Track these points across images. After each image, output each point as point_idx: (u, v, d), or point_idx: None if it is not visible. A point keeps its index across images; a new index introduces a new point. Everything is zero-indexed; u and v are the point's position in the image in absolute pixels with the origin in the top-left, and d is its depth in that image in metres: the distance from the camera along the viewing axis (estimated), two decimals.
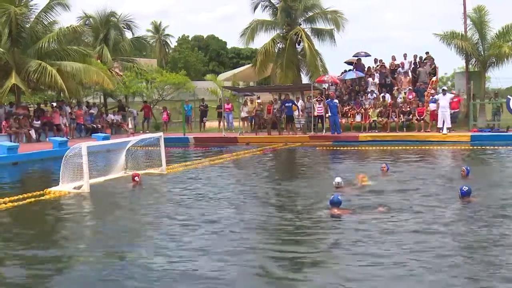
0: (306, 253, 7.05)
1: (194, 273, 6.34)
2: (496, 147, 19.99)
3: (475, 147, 20.61)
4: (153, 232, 8.35)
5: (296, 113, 27.00)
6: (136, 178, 12.92)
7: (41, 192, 11.96)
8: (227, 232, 8.11)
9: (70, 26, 28.69)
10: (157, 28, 71.26)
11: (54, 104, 29.47)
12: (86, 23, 35.19)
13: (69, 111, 28.01)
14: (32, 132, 25.11)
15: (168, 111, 31.63)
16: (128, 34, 37.40)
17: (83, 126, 28.34)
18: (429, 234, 7.70)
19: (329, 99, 25.66)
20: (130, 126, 29.15)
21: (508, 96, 24.92)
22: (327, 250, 7.22)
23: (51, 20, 28.22)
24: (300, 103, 27.38)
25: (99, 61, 31.32)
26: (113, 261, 6.92)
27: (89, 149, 12.46)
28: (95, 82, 28.28)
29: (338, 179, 11.36)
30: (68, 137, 25.18)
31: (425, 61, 28.31)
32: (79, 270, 6.65)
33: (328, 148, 22.10)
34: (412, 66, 28.38)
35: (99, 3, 71.60)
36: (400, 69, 28.44)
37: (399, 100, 26.29)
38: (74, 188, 12.18)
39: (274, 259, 6.83)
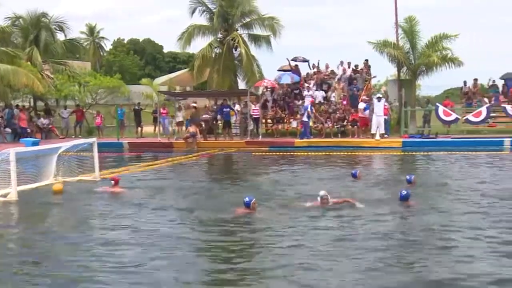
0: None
1: None
2: (426, 153, 20.66)
3: (406, 153, 21.24)
4: (73, 245, 7.85)
5: (233, 118, 26.98)
6: None
7: None
8: (150, 243, 7.79)
9: None
10: (91, 30, 69.71)
11: None
12: (15, 23, 34.04)
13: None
14: None
15: (103, 115, 30.92)
16: (61, 36, 36.52)
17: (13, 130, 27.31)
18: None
19: (307, 104, 25.71)
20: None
21: (437, 104, 25.78)
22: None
23: None
24: (237, 108, 27.41)
25: (29, 63, 30.33)
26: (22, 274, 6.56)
27: (17, 155, 11.96)
28: (24, 84, 27.36)
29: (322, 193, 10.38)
30: None
31: (360, 69, 28.96)
32: None
33: (263, 153, 22.17)
34: (347, 73, 28.91)
35: (30, 3, 69.43)
36: (340, 74, 28.97)
37: (332, 100, 26.81)
38: (1, 196, 11.65)
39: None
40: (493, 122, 26.00)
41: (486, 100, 26.91)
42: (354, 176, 13.52)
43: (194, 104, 27.12)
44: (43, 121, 29.96)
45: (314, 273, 6.34)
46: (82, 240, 8.05)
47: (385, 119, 24.45)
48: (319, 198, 10.02)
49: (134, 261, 6.89)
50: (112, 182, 12.43)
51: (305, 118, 24.98)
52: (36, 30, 33.90)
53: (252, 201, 9.53)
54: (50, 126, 30.05)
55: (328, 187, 11.69)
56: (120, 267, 6.66)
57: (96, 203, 11.17)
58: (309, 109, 24.94)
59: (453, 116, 24.71)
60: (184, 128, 27.08)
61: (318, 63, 30.82)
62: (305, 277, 6.20)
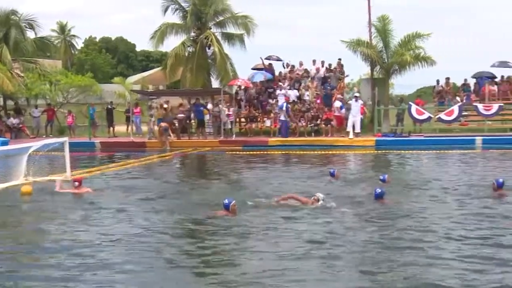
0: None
1: None
2: (399, 151, 20.84)
3: (379, 151, 21.38)
4: (31, 252, 7.56)
5: (207, 117, 26.81)
6: None
7: None
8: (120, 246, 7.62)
9: None
10: (62, 29, 68.76)
11: None
12: None
13: None
14: None
15: (74, 114, 30.42)
16: (31, 34, 35.88)
17: None
18: None
19: (284, 102, 25.61)
20: None
21: (410, 103, 25.97)
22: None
23: None
24: (209, 107, 27.24)
25: None
26: None
27: None
28: None
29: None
30: None
31: (333, 68, 29.03)
32: None
33: (237, 152, 22.09)
34: (321, 72, 28.95)
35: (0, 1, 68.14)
36: (313, 73, 29.00)
37: (306, 99, 26.86)
38: None
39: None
40: (465, 121, 26.24)
41: (458, 99, 27.18)
42: (332, 175, 13.47)
43: (165, 106, 26.79)
44: (13, 120, 29.45)
45: (284, 277, 6.22)
46: (42, 246, 7.81)
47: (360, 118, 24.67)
48: (313, 197, 10.02)
49: (95, 268, 6.64)
50: (76, 183, 12.18)
51: (282, 117, 24.97)
52: (5, 28, 33.19)
53: (232, 203, 9.27)
54: (20, 125, 29.56)
55: (306, 185, 11.66)
56: (79, 276, 6.40)
57: (58, 205, 10.82)
58: (284, 108, 24.95)
59: (426, 114, 24.93)
60: (156, 127, 26.85)
61: (290, 62, 30.90)
62: (275, 282, 6.08)
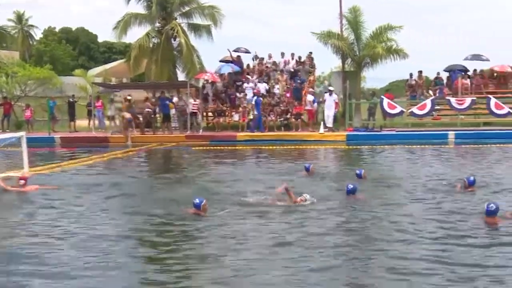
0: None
1: None
2: (371, 146, 20.50)
3: (350, 146, 21.07)
4: None
5: (172, 111, 25.92)
6: None
7: None
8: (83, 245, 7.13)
9: None
10: (19, 18, 66.82)
11: None
12: None
13: None
14: None
15: (33, 108, 29.17)
16: None
17: None
18: None
19: (255, 96, 24.93)
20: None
21: (382, 96, 25.51)
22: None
23: None
24: (175, 101, 26.33)
25: None
26: None
27: None
28: None
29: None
30: None
31: (303, 61, 28.47)
32: None
33: (204, 148, 21.41)
34: (290, 64, 28.41)
35: None
36: (282, 66, 28.48)
37: (276, 92, 26.34)
38: None
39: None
40: (438, 115, 26.00)
41: (430, 92, 26.86)
42: (307, 170, 13.21)
43: (129, 97, 25.71)
44: None
45: (252, 279, 5.95)
46: None
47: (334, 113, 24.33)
48: (301, 196, 9.68)
49: (44, 276, 6.04)
50: (22, 181, 11.60)
51: (256, 111, 24.41)
52: None
53: (203, 203, 8.82)
54: None
55: (281, 181, 11.13)
56: (28, 284, 5.83)
57: (5, 204, 10.28)
58: (253, 102, 24.31)
59: (398, 109, 24.47)
60: (117, 122, 25.88)
61: (256, 54, 30.27)
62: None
